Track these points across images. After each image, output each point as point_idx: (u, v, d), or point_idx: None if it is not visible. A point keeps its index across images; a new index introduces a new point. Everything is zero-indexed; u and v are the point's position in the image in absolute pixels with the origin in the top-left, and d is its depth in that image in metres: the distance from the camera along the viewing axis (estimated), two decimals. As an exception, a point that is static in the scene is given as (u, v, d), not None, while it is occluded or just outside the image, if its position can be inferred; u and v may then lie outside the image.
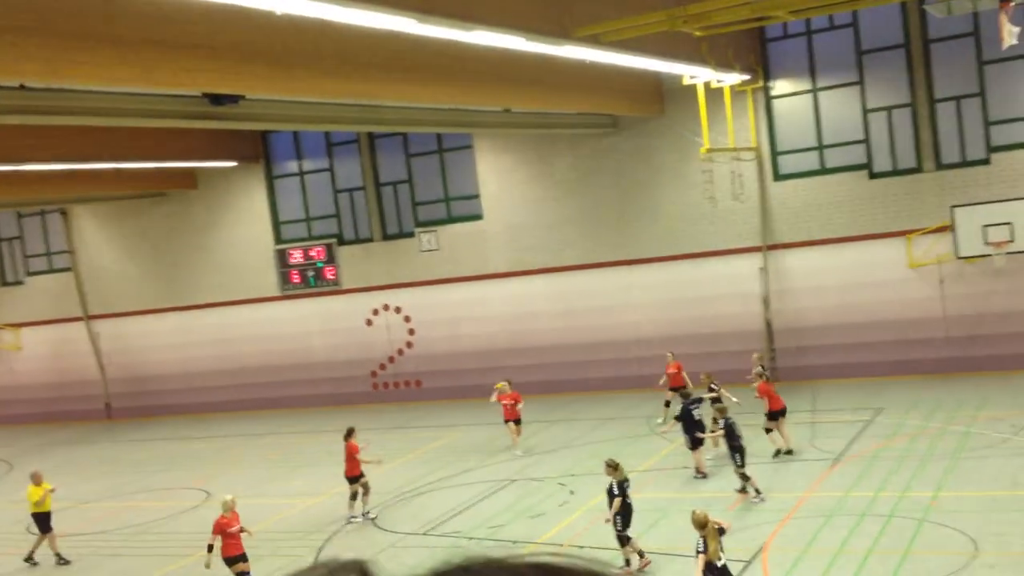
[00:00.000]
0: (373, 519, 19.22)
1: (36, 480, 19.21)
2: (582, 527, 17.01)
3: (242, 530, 15.71)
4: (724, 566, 12.58)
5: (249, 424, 31.91)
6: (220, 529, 15.57)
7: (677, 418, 19.61)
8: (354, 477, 19.34)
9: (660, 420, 23.67)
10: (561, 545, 16.30)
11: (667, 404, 23.48)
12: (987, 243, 24.27)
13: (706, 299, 27.86)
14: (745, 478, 17.41)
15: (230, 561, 15.64)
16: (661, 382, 24.01)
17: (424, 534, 17.86)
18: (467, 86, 18.06)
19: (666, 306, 28.37)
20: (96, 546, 20.10)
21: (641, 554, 14.95)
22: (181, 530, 20.36)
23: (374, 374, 32.69)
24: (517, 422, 23.23)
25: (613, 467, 15.27)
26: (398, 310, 32.03)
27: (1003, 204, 24.25)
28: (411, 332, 31.96)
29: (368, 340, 32.51)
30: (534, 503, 19.01)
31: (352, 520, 19.18)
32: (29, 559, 19.14)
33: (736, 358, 25.11)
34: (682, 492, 18.10)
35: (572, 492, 19.28)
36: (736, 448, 17.51)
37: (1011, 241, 24.08)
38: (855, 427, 21.11)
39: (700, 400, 19.53)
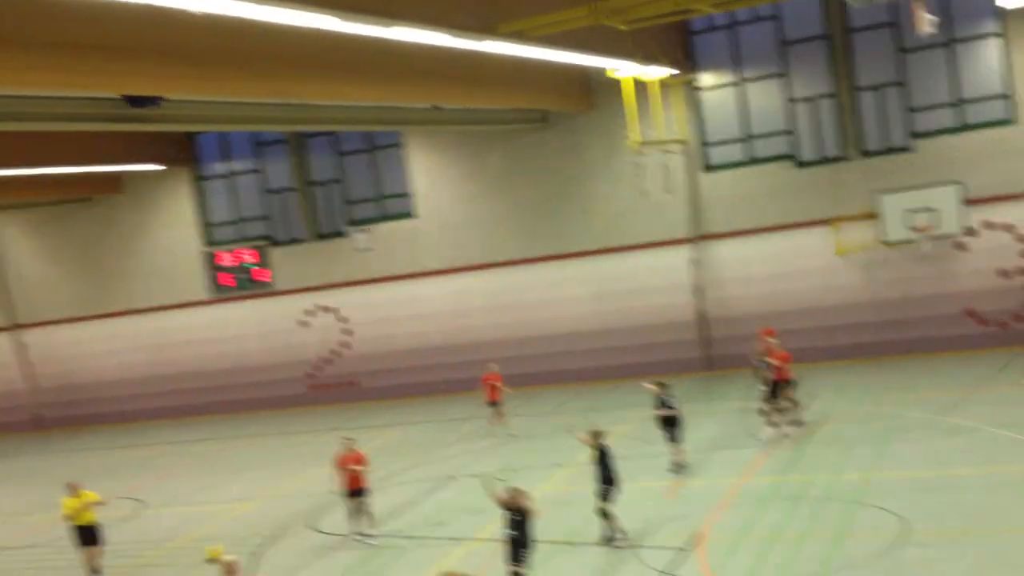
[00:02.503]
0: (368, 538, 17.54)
1: (73, 491, 17.83)
2: (521, 522, 16.99)
3: None
4: None
5: (184, 430, 31.45)
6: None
7: (658, 408, 18.64)
8: (349, 492, 17.58)
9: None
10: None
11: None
12: (911, 229, 24.80)
13: (638, 291, 28.08)
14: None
15: None
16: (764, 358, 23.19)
17: (363, 535, 17.72)
18: (395, 83, 17.95)
19: (599, 299, 28.53)
20: (27, 559, 19.66)
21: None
22: (115, 540, 19.96)
23: (310, 375, 32.41)
24: (496, 404, 23.36)
25: (595, 435, 15.90)
26: (333, 310, 31.79)
27: (926, 190, 24.79)
28: (346, 332, 31.74)
29: (303, 341, 32.23)
30: (474, 499, 18.95)
31: (357, 537, 17.48)
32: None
33: (669, 348, 25.29)
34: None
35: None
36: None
37: (934, 226, 24.63)
38: (787, 413, 21.33)
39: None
